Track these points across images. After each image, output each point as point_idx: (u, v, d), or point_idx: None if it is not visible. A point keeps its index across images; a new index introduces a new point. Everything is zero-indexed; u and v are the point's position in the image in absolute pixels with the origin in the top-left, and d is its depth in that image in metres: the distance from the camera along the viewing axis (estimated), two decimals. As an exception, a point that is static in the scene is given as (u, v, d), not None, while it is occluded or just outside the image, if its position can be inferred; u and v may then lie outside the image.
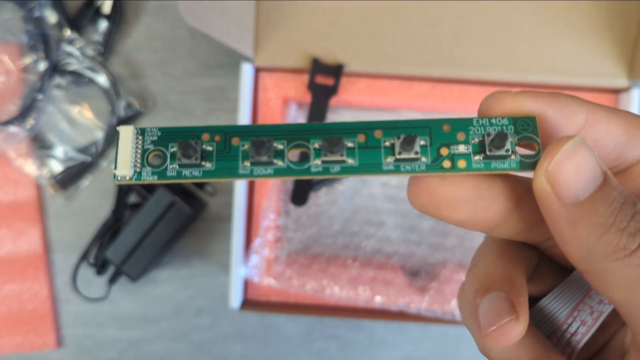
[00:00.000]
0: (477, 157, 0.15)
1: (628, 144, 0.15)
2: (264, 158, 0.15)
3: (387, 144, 0.15)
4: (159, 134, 0.15)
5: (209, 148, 0.15)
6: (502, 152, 0.15)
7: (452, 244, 0.43)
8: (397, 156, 0.15)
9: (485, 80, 0.40)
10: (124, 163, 0.15)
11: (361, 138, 0.15)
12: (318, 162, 0.15)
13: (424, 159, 0.15)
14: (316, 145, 0.15)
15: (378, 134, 0.15)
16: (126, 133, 0.15)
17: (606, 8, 0.40)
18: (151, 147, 0.15)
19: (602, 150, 0.15)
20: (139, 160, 0.15)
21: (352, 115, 0.45)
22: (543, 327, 0.18)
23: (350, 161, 0.15)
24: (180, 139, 0.15)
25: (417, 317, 0.41)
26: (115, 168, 0.15)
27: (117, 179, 0.15)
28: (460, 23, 0.40)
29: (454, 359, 0.47)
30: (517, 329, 0.15)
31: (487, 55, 0.40)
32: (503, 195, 0.15)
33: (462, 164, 0.15)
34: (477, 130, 0.15)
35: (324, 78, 0.40)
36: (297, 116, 0.43)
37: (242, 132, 0.15)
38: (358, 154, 0.15)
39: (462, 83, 0.41)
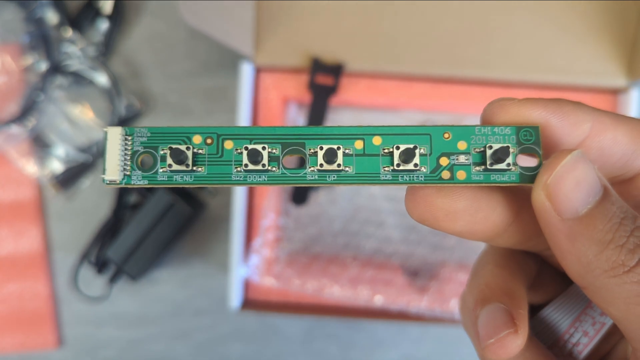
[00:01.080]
0: (477, 169, 0.15)
1: (635, 152, 0.15)
2: (259, 166, 0.15)
3: (386, 151, 0.15)
4: (149, 134, 0.15)
5: (201, 151, 0.15)
6: (503, 166, 0.14)
7: (452, 244, 0.43)
8: (396, 167, 0.15)
9: (485, 80, 0.40)
10: (113, 166, 0.14)
11: (359, 145, 0.15)
12: (314, 169, 0.15)
13: (423, 169, 0.15)
14: (312, 151, 0.15)
15: (377, 140, 0.15)
16: (114, 134, 0.15)
17: (605, 8, 0.40)
18: (140, 148, 0.15)
19: (608, 159, 0.15)
20: (128, 163, 0.15)
21: (352, 115, 0.45)
22: (544, 337, 0.18)
23: (347, 169, 0.15)
24: (171, 140, 0.15)
25: (417, 317, 0.41)
26: (104, 172, 0.15)
27: (106, 183, 0.15)
28: (460, 23, 0.40)
29: (454, 359, 0.47)
30: (516, 342, 0.15)
31: (487, 55, 0.40)
32: (502, 206, 0.15)
33: (461, 175, 0.15)
34: (479, 139, 0.15)
35: (324, 78, 0.40)
36: (297, 116, 0.43)
37: (235, 135, 0.15)
38: (355, 161, 0.15)
39: (462, 83, 0.41)
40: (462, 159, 0.15)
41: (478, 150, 0.15)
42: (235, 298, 0.40)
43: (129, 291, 0.47)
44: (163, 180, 0.15)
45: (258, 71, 0.42)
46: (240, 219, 0.40)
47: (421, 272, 0.42)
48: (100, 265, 0.45)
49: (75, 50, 0.45)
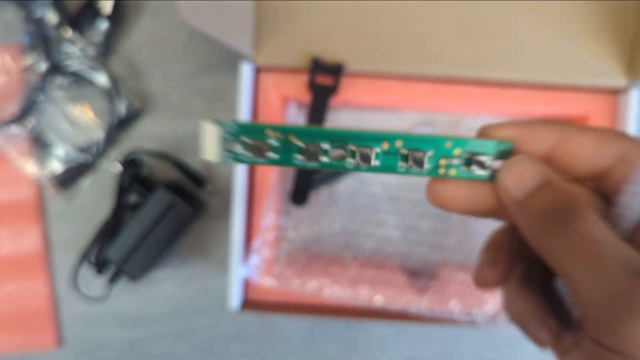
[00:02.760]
0: (464, 168, 0.20)
1: (598, 154, 0.19)
2: (314, 155, 0.20)
3: (404, 151, 0.20)
4: (236, 127, 0.19)
5: (275, 143, 0.20)
6: (481, 167, 0.20)
7: (452, 244, 0.43)
8: (411, 164, 0.20)
9: (485, 80, 0.40)
10: (210, 150, 0.20)
11: (386, 145, 0.20)
12: (352, 160, 0.20)
13: (427, 167, 0.20)
14: (352, 148, 0.20)
15: (399, 143, 0.20)
16: (209, 126, 0.19)
17: (605, 8, 0.40)
18: (229, 137, 0.19)
19: (577, 162, 0.19)
20: (220, 147, 0.20)
21: (352, 115, 0.45)
22: (556, 302, 0.21)
23: (375, 162, 0.20)
24: (251, 133, 0.19)
25: (417, 317, 0.41)
26: (204, 154, 0.20)
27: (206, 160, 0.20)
28: (460, 23, 0.40)
29: (454, 359, 0.47)
30: (491, 275, 0.21)
31: (487, 55, 0.40)
32: (490, 192, 0.20)
33: (452, 172, 0.20)
34: (471, 148, 0.20)
35: (324, 78, 0.40)
36: (297, 116, 0.43)
37: (299, 132, 0.20)
38: (382, 158, 0.20)
39: (462, 83, 0.41)
40: (455, 161, 0.20)
41: (468, 155, 0.20)
42: (235, 298, 0.40)
43: (129, 291, 0.47)
44: (246, 160, 0.20)
45: (258, 71, 0.42)
46: (240, 218, 0.40)
47: (421, 272, 0.42)
48: (100, 266, 0.45)
49: (75, 50, 0.45)
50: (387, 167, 0.20)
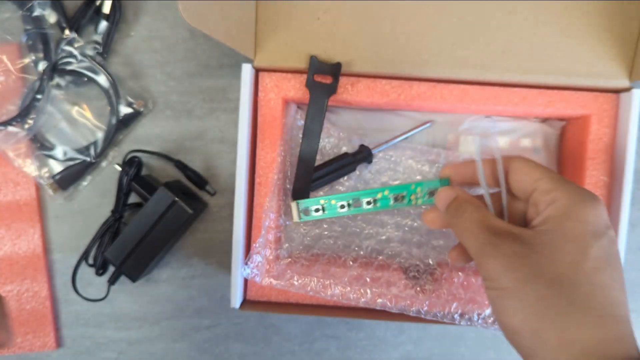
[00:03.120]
0: (426, 197, 0.37)
1: (491, 173, 0.34)
2: (344, 207, 0.40)
3: (391, 196, 0.38)
4: (304, 203, 0.40)
5: (324, 204, 0.40)
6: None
7: (451, 245, 0.43)
8: (394, 201, 0.38)
9: (485, 81, 0.40)
10: (295, 215, 0.40)
11: (380, 195, 0.38)
12: (366, 205, 0.39)
13: (405, 201, 0.38)
14: (364, 198, 0.39)
15: (387, 192, 0.38)
16: (293, 204, 0.40)
17: (607, 8, 0.40)
18: (302, 206, 0.40)
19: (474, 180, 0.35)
20: (299, 213, 0.40)
21: (352, 115, 0.45)
22: None
23: (377, 204, 0.39)
24: (312, 203, 0.40)
25: (417, 317, 0.41)
26: (293, 218, 0.40)
27: (295, 221, 0.41)
28: (460, 23, 0.40)
29: (454, 359, 0.48)
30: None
31: (487, 55, 0.40)
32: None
33: (420, 201, 0.38)
34: (426, 185, 0.38)
35: (323, 77, 0.40)
36: (297, 116, 0.43)
37: (335, 197, 0.39)
38: (380, 201, 0.39)
39: (462, 83, 0.41)
40: (419, 195, 0.37)
41: (427, 190, 0.37)
42: (236, 298, 0.40)
43: (128, 291, 0.47)
44: (308, 218, 0.41)
45: (258, 71, 0.42)
46: (241, 219, 0.40)
47: (421, 273, 0.42)
48: (100, 266, 0.45)
49: (74, 50, 0.44)
50: (384, 206, 0.39)
